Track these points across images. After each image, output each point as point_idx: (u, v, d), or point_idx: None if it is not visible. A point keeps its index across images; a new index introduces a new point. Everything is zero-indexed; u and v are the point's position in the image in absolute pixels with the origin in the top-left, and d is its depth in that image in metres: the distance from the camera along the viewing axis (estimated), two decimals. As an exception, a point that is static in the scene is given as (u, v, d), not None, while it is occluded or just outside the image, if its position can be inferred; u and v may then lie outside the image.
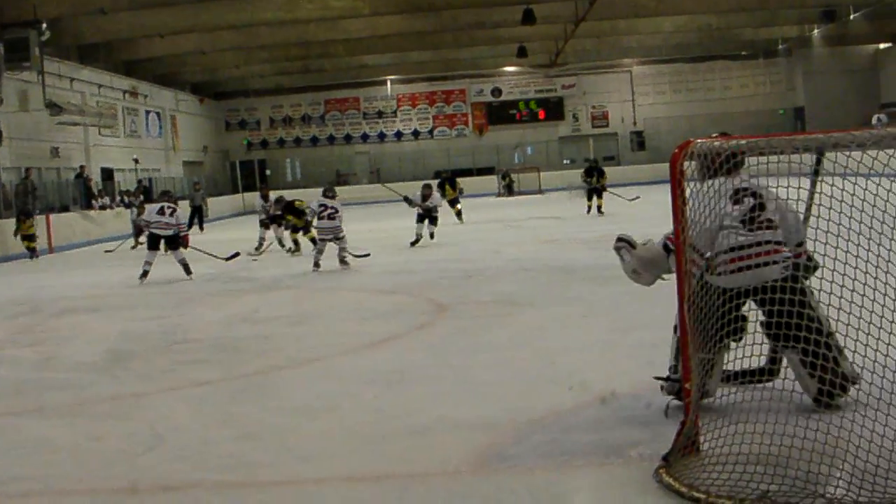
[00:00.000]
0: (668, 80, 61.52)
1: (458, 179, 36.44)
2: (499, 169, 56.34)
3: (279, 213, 25.34)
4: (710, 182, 6.80)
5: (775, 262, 6.67)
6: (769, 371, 6.99)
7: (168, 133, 53.45)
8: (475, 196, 48.24)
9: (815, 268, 6.74)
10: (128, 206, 37.83)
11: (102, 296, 18.10)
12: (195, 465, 6.99)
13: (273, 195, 27.40)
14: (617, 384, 7.90)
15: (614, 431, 6.70)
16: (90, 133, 42.60)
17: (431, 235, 25.64)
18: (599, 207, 32.14)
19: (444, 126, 62.61)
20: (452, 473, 6.49)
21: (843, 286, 5.99)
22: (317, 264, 20.02)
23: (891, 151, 5.76)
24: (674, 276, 6.53)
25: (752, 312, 6.90)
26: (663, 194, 7.39)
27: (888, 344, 5.92)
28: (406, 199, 26.23)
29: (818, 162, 6.68)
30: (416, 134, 62.74)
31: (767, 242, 6.71)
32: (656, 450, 6.26)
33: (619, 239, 7.54)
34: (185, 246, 21.10)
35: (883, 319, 5.92)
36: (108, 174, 44.13)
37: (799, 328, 6.47)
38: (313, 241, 23.23)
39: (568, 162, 60.27)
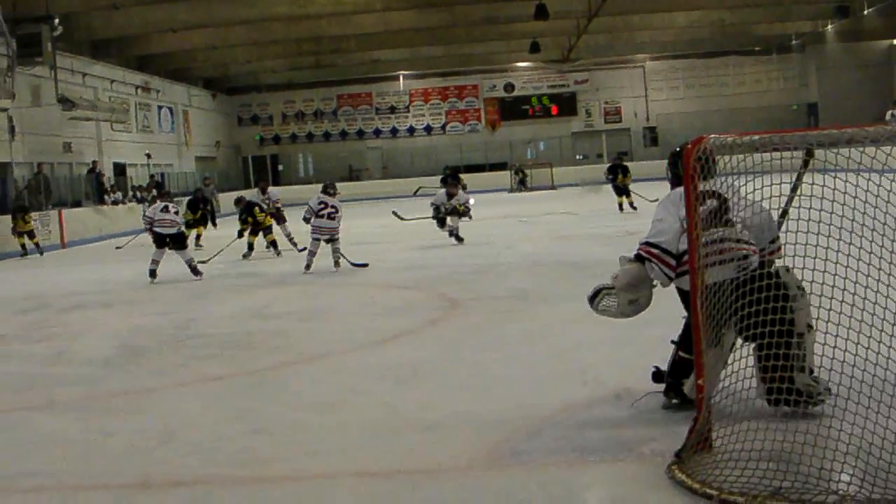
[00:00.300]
0: (681, 76, 61.33)
1: (462, 176, 35.85)
2: (512, 164, 56.18)
3: (275, 211, 24.73)
4: (678, 189, 6.96)
5: (730, 261, 6.66)
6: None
7: (180, 128, 53.45)
8: (488, 191, 48.28)
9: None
10: (140, 201, 37.86)
11: (114, 291, 18.13)
12: (207, 460, 6.99)
13: (274, 190, 26.42)
14: (630, 380, 7.87)
15: (627, 428, 6.70)
16: (102, 128, 42.62)
17: (455, 234, 23.78)
18: (631, 204, 30.72)
19: (457, 121, 62.52)
20: (464, 469, 6.49)
21: (856, 282, 5.95)
22: (308, 266, 19.16)
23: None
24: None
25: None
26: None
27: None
28: (436, 211, 24.03)
29: (806, 160, 6.65)
30: (428, 129, 62.66)
31: (722, 241, 6.68)
32: (669, 446, 6.25)
33: (592, 298, 7.32)
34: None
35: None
36: (120, 169, 44.16)
37: (761, 326, 6.40)
38: (273, 244, 23.42)
39: (580, 157, 60.20)
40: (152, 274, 19.38)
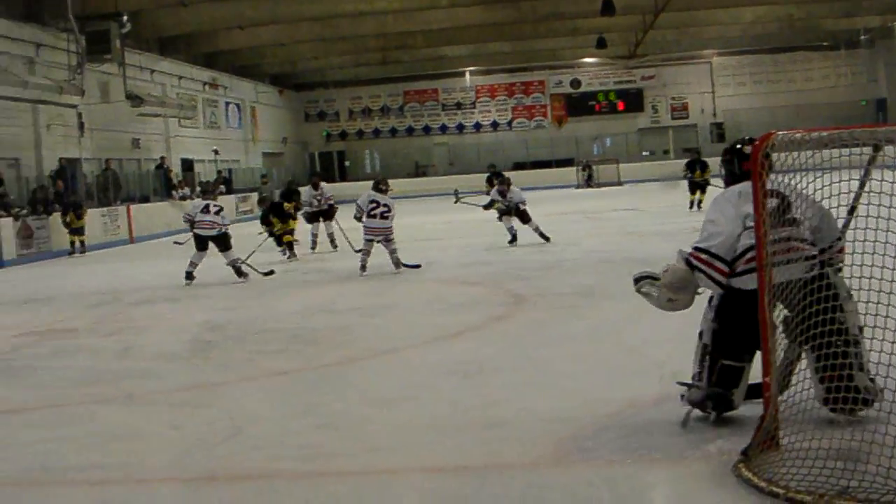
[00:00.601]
0: (748, 72, 60.97)
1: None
2: (578, 160, 56.04)
3: (326, 207, 24.20)
4: (734, 187, 6.88)
5: (797, 260, 6.50)
6: (786, 384, 6.78)
7: (248, 124, 53.78)
8: (554, 188, 48.23)
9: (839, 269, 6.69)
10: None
11: (181, 286, 18.21)
12: (272, 455, 6.99)
13: (326, 186, 24.98)
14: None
15: (694, 425, 6.63)
16: (170, 124, 43.01)
17: (514, 237, 22.44)
18: (700, 203, 29.01)
19: (523, 117, 62.48)
20: (530, 465, 6.46)
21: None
22: (363, 268, 18.15)
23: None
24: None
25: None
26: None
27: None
28: (495, 207, 22.82)
29: (874, 156, 6.54)
30: (494, 125, 62.66)
31: (788, 240, 6.53)
32: (736, 444, 6.20)
33: (638, 280, 7.29)
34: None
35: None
36: (187, 165, 44.53)
37: (817, 328, 6.24)
38: (290, 245, 22.70)
39: (647, 154, 60.05)
40: (188, 276, 18.72)
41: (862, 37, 57.29)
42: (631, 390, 8.01)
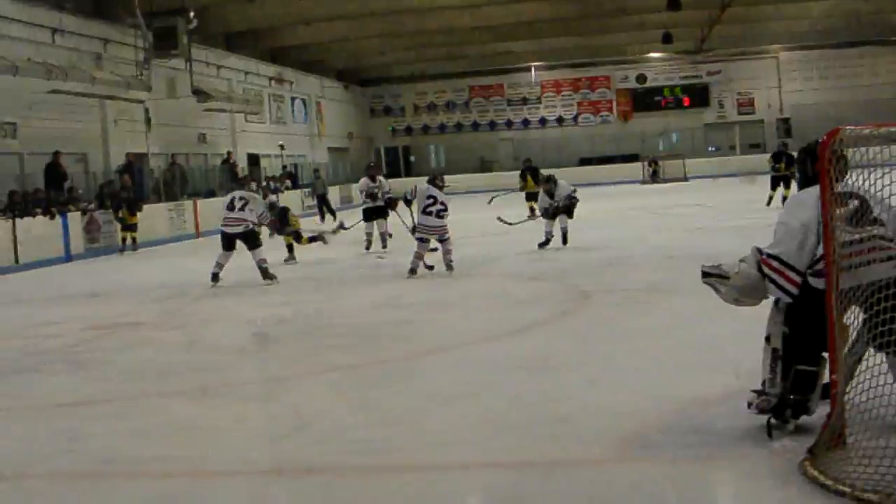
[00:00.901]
0: (815, 67, 60.44)
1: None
2: (644, 156, 55.86)
3: (385, 201, 22.71)
4: (810, 189, 6.56)
5: (889, 259, 6.25)
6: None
7: (313, 119, 53.98)
8: (619, 183, 48.17)
9: None
10: (274, 191, 38.22)
11: (246, 280, 18.25)
12: (337, 449, 7.01)
13: (384, 180, 24.12)
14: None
15: (759, 421, 6.56)
16: (236, 119, 43.27)
17: (564, 238, 20.99)
18: (784, 198, 25.86)
19: (588, 113, 62.32)
20: (595, 461, 6.45)
21: None
22: (414, 271, 17.12)
23: None
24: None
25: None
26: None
27: None
28: (545, 213, 21.14)
29: None
30: (560, 120, 62.54)
31: (876, 238, 6.28)
32: (801, 442, 6.14)
33: (707, 274, 7.03)
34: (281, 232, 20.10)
35: None
36: (254, 160, 44.69)
37: None
38: (290, 248, 21.33)
39: (713, 149, 59.70)
40: (214, 278, 17.77)
41: (930, 31, 56.72)
42: (697, 387, 7.97)
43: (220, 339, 12.37)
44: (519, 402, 8.05)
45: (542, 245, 20.83)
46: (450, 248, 17.37)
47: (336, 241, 21.58)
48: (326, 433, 7.48)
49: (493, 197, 27.99)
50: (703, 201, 33.56)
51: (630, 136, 60.47)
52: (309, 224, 26.73)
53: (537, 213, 21.86)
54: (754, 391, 6.77)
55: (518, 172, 33.48)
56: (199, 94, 37.38)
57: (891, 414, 6.02)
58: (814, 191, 6.38)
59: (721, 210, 29.32)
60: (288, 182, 41.76)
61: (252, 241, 17.97)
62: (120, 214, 28.18)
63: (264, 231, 20.87)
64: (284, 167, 45.30)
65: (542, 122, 62.66)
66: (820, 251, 6.32)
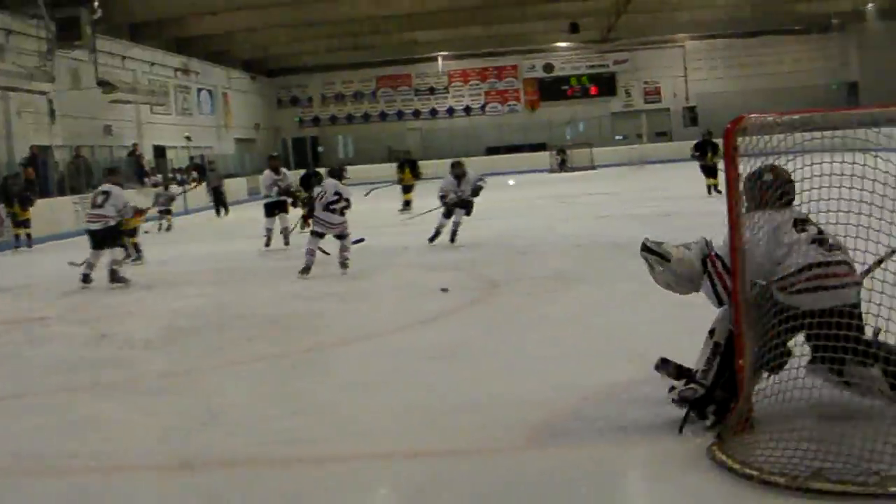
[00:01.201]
0: (720, 56, 61.10)
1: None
2: (551, 145, 56.14)
3: (287, 194, 22.03)
4: (763, 213, 6.51)
5: (855, 284, 6.27)
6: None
7: (220, 110, 53.63)
8: (527, 172, 48.30)
9: None
10: (180, 183, 37.94)
11: (154, 273, 18.11)
12: (249, 441, 7.00)
13: (288, 172, 23.40)
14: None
15: (668, 408, 6.64)
16: (142, 111, 42.83)
17: (453, 236, 19.93)
18: (715, 187, 26.84)
19: (496, 102, 62.48)
20: (506, 449, 6.51)
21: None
22: (308, 269, 16.31)
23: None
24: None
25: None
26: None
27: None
28: (442, 198, 20.00)
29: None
30: (467, 110, 62.64)
31: (845, 263, 6.28)
32: (706, 422, 6.33)
33: (647, 249, 6.90)
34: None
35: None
36: (160, 152, 44.30)
37: (847, 353, 6.04)
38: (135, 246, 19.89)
39: (620, 138, 60.07)
40: (85, 279, 16.75)
41: (833, 20, 57.40)
42: (605, 374, 8.05)
43: (130, 333, 12.20)
44: (430, 391, 8.09)
45: (432, 239, 20.05)
46: (348, 246, 16.63)
47: (242, 235, 21.45)
48: (239, 426, 7.48)
49: (372, 189, 27.92)
50: (610, 189, 33.81)
51: (537, 126, 60.66)
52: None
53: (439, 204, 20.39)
54: (684, 379, 6.74)
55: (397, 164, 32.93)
56: (104, 85, 36.97)
57: (796, 398, 6.13)
58: (772, 215, 6.45)
59: (627, 198, 29.55)
60: (195, 174, 41.35)
61: (109, 239, 16.77)
62: (13, 210, 27.04)
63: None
64: (191, 159, 44.95)
65: (450, 111, 62.72)
66: (791, 266, 6.29)
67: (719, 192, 24.92)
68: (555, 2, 46.70)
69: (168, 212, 30.07)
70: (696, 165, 28.89)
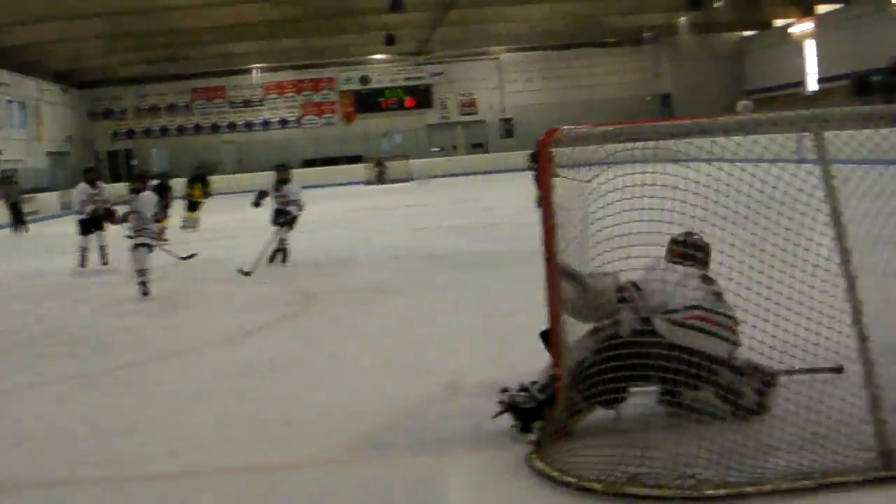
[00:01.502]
0: (536, 68, 61.90)
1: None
2: (368, 157, 56.19)
3: (104, 210, 19.38)
4: (679, 265, 6.75)
5: (730, 340, 6.41)
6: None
7: (31, 123, 52.51)
8: (344, 185, 48.30)
9: None
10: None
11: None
12: (63, 461, 6.89)
13: (105, 186, 21.32)
14: (491, 370, 7.92)
15: (487, 418, 6.70)
16: (-51, 123, 41.82)
17: (284, 253, 18.55)
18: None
19: (313, 114, 62.34)
20: (324, 463, 6.50)
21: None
22: (147, 292, 15.16)
23: (754, 137, 5.84)
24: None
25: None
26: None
27: (754, 326, 5.99)
28: (259, 196, 18.97)
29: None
30: (283, 122, 62.39)
31: (733, 319, 6.43)
32: (529, 436, 6.34)
33: (564, 273, 6.40)
34: None
35: (748, 298, 5.98)
36: (-32, 166, 43.25)
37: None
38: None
39: (436, 149, 60.36)
40: None
41: (646, 34, 58.54)
42: (424, 385, 8.08)
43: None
44: (249, 405, 8.06)
45: (283, 257, 18.55)
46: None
47: (52, 251, 21.00)
48: (53, 445, 7.33)
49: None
50: (427, 201, 33.96)
51: (354, 138, 60.69)
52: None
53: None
54: (518, 386, 6.64)
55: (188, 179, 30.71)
56: None
57: (611, 404, 6.24)
58: (687, 270, 6.68)
59: (443, 210, 29.73)
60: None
61: None
62: None
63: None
64: (3, 172, 43.98)
65: (265, 124, 62.40)
66: (690, 302, 6.45)
67: None
68: (371, 14, 46.76)
69: None
70: (517, 176, 29.24)
